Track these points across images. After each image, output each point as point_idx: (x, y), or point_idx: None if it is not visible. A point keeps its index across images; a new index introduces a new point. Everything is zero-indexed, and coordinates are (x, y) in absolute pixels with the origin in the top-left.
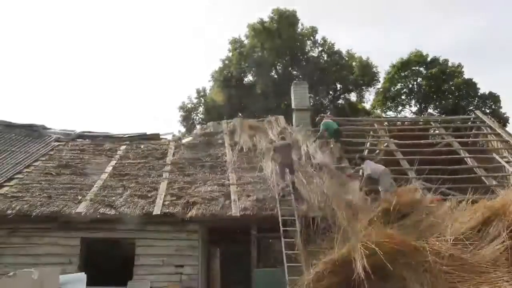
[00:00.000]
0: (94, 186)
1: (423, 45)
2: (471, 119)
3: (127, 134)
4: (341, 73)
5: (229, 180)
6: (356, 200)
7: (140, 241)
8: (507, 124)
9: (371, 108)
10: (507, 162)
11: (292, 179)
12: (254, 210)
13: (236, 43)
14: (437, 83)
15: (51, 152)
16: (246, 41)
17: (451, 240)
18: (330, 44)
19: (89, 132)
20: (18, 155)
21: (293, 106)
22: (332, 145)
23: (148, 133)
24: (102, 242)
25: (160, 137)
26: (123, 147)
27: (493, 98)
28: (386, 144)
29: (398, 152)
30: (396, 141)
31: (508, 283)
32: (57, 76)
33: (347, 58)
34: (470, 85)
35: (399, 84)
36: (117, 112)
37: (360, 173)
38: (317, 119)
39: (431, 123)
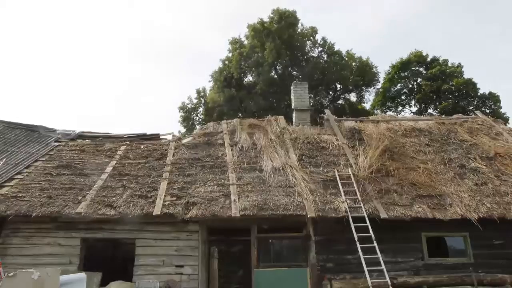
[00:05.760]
0: (94, 186)
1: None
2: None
3: (127, 134)
4: (341, 73)
5: (229, 180)
6: None
7: (140, 241)
8: (507, 124)
9: (371, 108)
10: None
11: None
12: (254, 210)
13: (236, 44)
14: (437, 83)
15: (51, 153)
16: (246, 42)
17: None
18: (330, 44)
19: (89, 132)
20: (18, 155)
21: (293, 106)
22: None
23: (148, 133)
24: (102, 242)
25: (160, 137)
26: (123, 147)
27: (493, 98)
28: None
29: None
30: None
31: None
32: (57, 76)
33: (347, 58)
34: (470, 85)
35: (399, 84)
36: (117, 112)
37: None
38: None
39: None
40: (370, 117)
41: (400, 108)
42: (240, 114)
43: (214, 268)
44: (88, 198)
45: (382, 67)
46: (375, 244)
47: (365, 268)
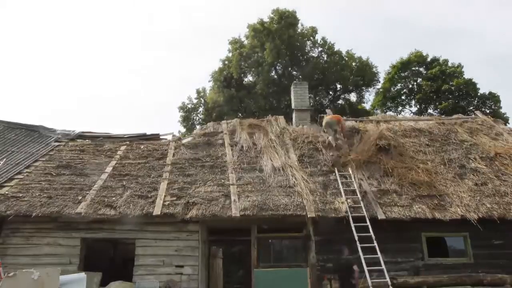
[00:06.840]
0: (94, 186)
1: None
2: (471, 119)
3: (127, 135)
4: (341, 73)
5: (229, 180)
6: None
7: (140, 241)
8: (507, 124)
9: (371, 108)
10: None
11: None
12: (254, 210)
13: (236, 44)
14: (437, 83)
15: (51, 153)
16: (246, 42)
17: None
18: (330, 45)
19: (89, 132)
20: (18, 155)
21: (293, 106)
22: None
23: (148, 133)
24: (102, 242)
25: (160, 137)
26: (123, 147)
27: (493, 98)
28: None
29: None
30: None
31: None
32: (57, 76)
33: (347, 58)
34: (470, 85)
35: (399, 84)
36: (117, 112)
37: None
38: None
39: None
40: (370, 117)
41: (400, 108)
42: (240, 114)
43: (219, 267)
44: (88, 198)
45: (382, 66)
46: (375, 244)
47: (365, 268)
